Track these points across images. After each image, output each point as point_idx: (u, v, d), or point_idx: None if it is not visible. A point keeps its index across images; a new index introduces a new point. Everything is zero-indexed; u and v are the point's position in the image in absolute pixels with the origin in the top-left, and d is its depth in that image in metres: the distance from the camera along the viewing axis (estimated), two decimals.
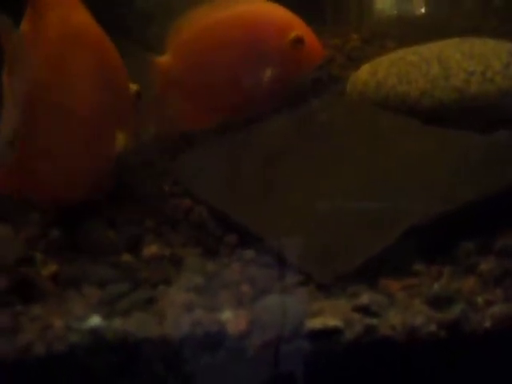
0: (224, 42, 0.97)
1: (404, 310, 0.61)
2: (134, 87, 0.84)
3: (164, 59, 0.96)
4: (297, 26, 0.97)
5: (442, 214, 0.71)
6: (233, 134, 0.96)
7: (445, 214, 0.71)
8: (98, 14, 0.80)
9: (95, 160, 0.80)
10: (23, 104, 0.74)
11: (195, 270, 0.72)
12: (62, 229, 0.78)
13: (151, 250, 0.77)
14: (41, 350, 0.50)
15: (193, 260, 0.75)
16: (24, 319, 0.56)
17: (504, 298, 0.62)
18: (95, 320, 0.54)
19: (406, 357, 0.57)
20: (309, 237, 0.75)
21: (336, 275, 0.69)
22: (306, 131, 0.93)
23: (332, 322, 0.57)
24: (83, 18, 0.78)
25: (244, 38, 0.96)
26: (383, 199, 0.76)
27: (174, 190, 0.90)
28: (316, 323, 0.57)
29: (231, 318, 0.57)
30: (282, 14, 0.98)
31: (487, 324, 0.58)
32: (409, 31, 1.48)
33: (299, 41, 0.96)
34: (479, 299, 0.62)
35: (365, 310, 0.60)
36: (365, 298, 0.61)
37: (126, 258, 0.75)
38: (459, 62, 0.87)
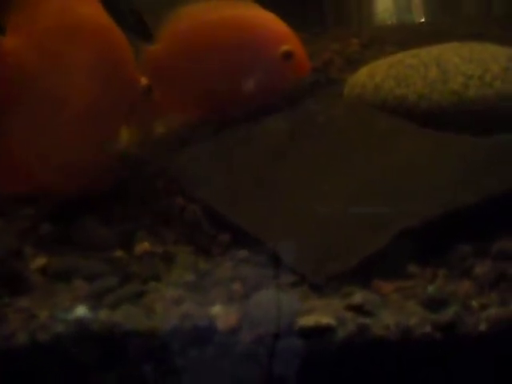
0: (216, 39, 0.98)
1: (398, 310, 0.60)
2: (144, 81, 0.83)
3: (154, 47, 0.98)
4: (288, 40, 0.99)
5: (437, 216, 0.70)
6: (229, 133, 0.95)
7: (440, 217, 0.70)
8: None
9: (92, 154, 0.78)
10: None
11: (186, 268, 0.71)
12: (55, 223, 0.78)
13: (143, 246, 0.76)
14: (24, 339, 0.49)
15: (184, 257, 0.74)
16: (9, 310, 0.55)
17: (499, 302, 0.61)
18: (81, 311, 0.53)
19: (399, 357, 0.56)
20: (303, 237, 0.74)
21: (329, 276, 0.68)
22: (304, 132, 0.93)
23: (325, 319, 0.56)
24: (86, 10, 0.77)
25: (237, 41, 0.98)
26: (379, 201, 0.76)
27: (169, 187, 0.90)
28: (308, 321, 0.56)
29: (221, 314, 0.56)
30: (276, 25, 1.00)
31: (482, 327, 0.57)
32: (408, 37, 1.48)
33: (289, 55, 0.98)
34: (474, 303, 0.61)
35: (358, 309, 0.59)
36: (358, 297, 0.60)
37: (118, 253, 0.74)
38: (458, 66, 0.87)
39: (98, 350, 0.50)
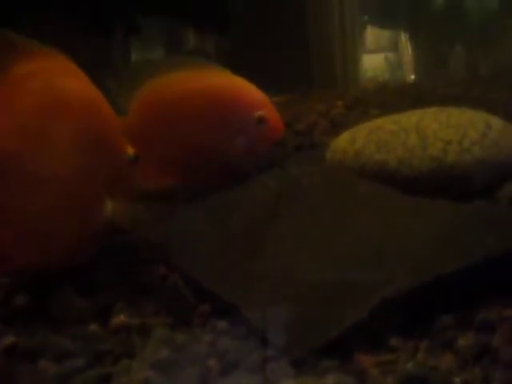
0: (187, 109, 1.00)
1: None
2: (130, 151, 0.83)
3: (126, 119, 0.99)
4: (261, 106, 1.01)
5: (418, 286, 0.69)
6: (210, 200, 0.95)
7: (420, 286, 0.69)
8: None
9: (73, 227, 0.78)
10: None
11: (162, 342, 0.69)
12: (30, 295, 0.76)
13: (119, 319, 0.74)
14: None
15: (161, 331, 0.72)
16: None
17: (482, 379, 0.59)
18: None
19: None
20: (282, 308, 0.73)
21: (309, 349, 0.66)
22: (285, 199, 0.92)
23: None
24: (70, 84, 0.78)
25: (209, 110, 1.00)
26: (359, 269, 0.75)
27: (150, 256, 0.89)
28: None
29: None
30: (248, 91, 1.03)
31: None
32: (392, 99, 1.51)
33: (262, 120, 1.01)
34: (456, 379, 0.59)
35: None
36: (331, 380, 0.58)
37: (93, 327, 0.72)
38: (436, 132, 0.87)
39: None
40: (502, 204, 0.87)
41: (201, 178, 0.99)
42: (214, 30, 1.59)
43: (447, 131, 0.87)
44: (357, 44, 1.97)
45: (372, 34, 2.88)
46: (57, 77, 0.77)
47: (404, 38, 3.26)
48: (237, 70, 1.04)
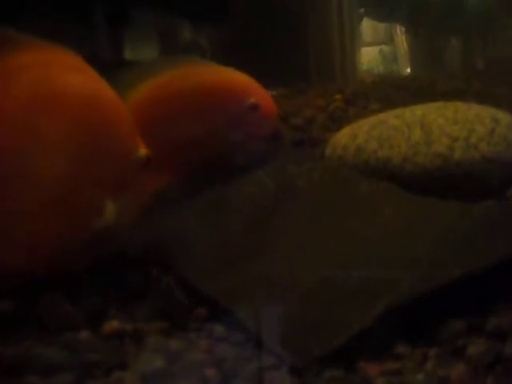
0: (178, 106, 0.96)
1: None
2: (142, 152, 0.76)
3: None
4: (253, 92, 0.99)
5: (426, 291, 0.65)
6: (206, 198, 0.92)
7: (429, 292, 0.65)
8: None
9: (62, 232, 0.72)
10: None
11: (157, 350, 0.66)
12: (14, 299, 0.72)
13: (112, 325, 0.70)
14: None
15: (155, 338, 0.68)
16: None
17: None
18: None
19: None
20: (283, 312, 0.70)
21: (311, 358, 0.63)
22: (284, 197, 0.89)
23: None
24: (71, 78, 0.73)
25: (203, 105, 0.97)
26: (363, 271, 0.71)
27: (142, 258, 0.85)
28: None
29: None
30: (239, 80, 1.00)
31: None
32: (392, 93, 1.47)
33: (255, 107, 0.98)
34: None
35: None
36: None
37: (84, 334, 0.68)
38: (442, 127, 0.84)
39: None
40: None
41: (199, 174, 0.96)
42: (212, 22, 1.55)
43: (453, 127, 0.83)
44: (355, 37, 1.93)
45: (367, 27, 2.85)
46: (53, 70, 0.73)
47: (399, 31, 3.24)
48: (233, 64, 1.01)
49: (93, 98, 0.73)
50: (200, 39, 2.06)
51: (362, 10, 2.52)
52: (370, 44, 2.92)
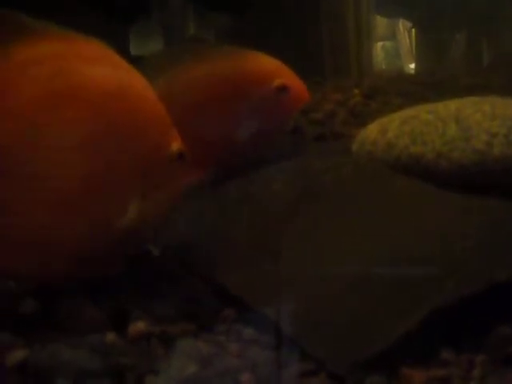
0: (208, 96, 0.93)
1: None
2: (175, 146, 0.71)
3: None
4: (280, 73, 0.95)
5: (471, 294, 0.62)
6: (230, 191, 0.88)
7: (474, 295, 0.62)
8: None
9: (86, 235, 0.68)
10: None
11: (188, 354, 0.63)
12: (39, 299, 0.69)
13: (138, 327, 0.67)
14: None
15: (185, 341, 0.65)
16: None
17: None
18: None
19: None
20: (318, 314, 0.66)
21: (351, 363, 0.60)
22: (311, 192, 0.85)
23: None
24: (93, 71, 0.68)
25: (228, 91, 0.94)
26: (402, 273, 0.68)
27: (164, 256, 0.82)
28: None
29: None
30: (264, 62, 0.96)
31: None
32: (411, 87, 1.44)
33: (283, 88, 0.93)
34: None
35: None
36: None
37: (110, 337, 0.65)
38: (480, 123, 0.81)
39: None
40: None
41: (232, 162, 0.92)
42: (229, 14, 1.52)
43: (492, 123, 0.80)
44: (370, 32, 1.90)
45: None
46: (72, 62, 0.67)
47: (402, 26, 3.21)
48: None
49: (117, 91, 0.68)
50: (205, 33, 2.02)
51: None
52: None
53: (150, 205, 0.70)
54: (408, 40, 3.08)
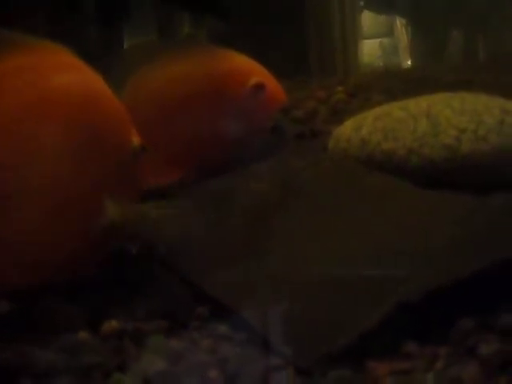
0: (182, 94, 0.93)
1: None
2: (135, 141, 0.74)
3: None
4: (255, 72, 0.94)
5: (435, 288, 0.63)
6: (206, 191, 0.89)
7: (438, 289, 0.63)
8: None
9: (73, 237, 0.70)
10: None
11: (158, 350, 0.64)
12: (12, 301, 0.70)
13: (111, 325, 0.68)
14: None
15: (156, 338, 0.66)
16: None
17: None
18: None
19: None
20: (287, 310, 0.67)
21: (317, 357, 0.61)
22: (288, 191, 0.87)
23: None
24: (57, 80, 0.70)
25: (202, 90, 0.93)
26: (370, 268, 0.69)
27: (142, 253, 0.83)
28: None
29: None
30: (240, 61, 0.96)
31: None
32: (395, 84, 1.45)
33: (259, 87, 0.92)
34: None
35: None
36: None
37: (83, 335, 0.66)
38: (449, 119, 0.82)
39: None
40: None
41: (210, 164, 0.92)
42: (213, 15, 1.52)
43: (461, 118, 0.81)
44: (356, 30, 1.91)
45: (367, 20, 2.83)
46: (39, 73, 0.69)
47: (399, 23, 3.21)
48: None
49: (85, 97, 0.70)
50: (198, 32, 2.03)
51: (362, 3, 2.49)
52: (369, 37, 2.89)
53: (123, 199, 0.72)
54: (406, 37, 3.08)
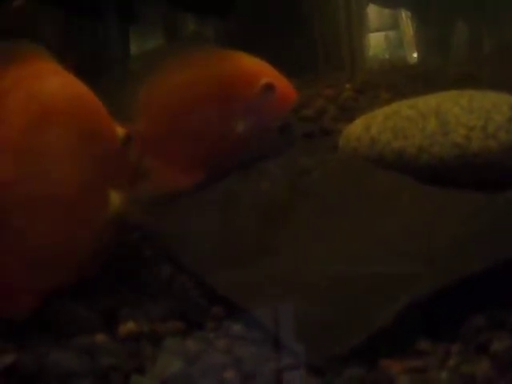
0: (194, 99, 0.94)
1: None
2: (120, 132, 0.77)
3: (137, 125, 0.92)
4: (266, 73, 0.94)
5: (447, 285, 0.64)
6: (216, 192, 0.90)
7: (450, 286, 0.64)
8: None
9: (84, 240, 0.72)
10: None
11: (175, 352, 0.65)
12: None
13: (128, 326, 0.69)
14: None
15: (172, 339, 0.67)
16: None
17: None
18: None
19: None
20: (300, 310, 0.68)
21: (330, 356, 0.62)
22: (298, 190, 0.87)
23: None
24: (55, 88, 0.72)
25: (213, 93, 0.94)
26: (381, 267, 0.70)
27: (156, 255, 0.84)
28: None
29: None
30: (249, 62, 0.96)
31: None
32: (403, 80, 1.45)
33: (269, 87, 0.93)
34: None
35: None
36: None
37: (100, 337, 0.67)
38: (458, 117, 0.82)
39: None
40: None
41: (220, 162, 0.93)
42: (216, 13, 1.52)
43: (470, 116, 0.81)
44: (362, 24, 1.90)
45: (372, 13, 2.82)
46: (25, 84, 0.71)
47: (405, 16, 3.20)
48: None
49: (74, 100, 0.72)
50: (205, 30, 2.03)
51: None
52: (375, 30, 2.88)
53: (121, 190, 0.74)
54: (411, 29, 3.07)
